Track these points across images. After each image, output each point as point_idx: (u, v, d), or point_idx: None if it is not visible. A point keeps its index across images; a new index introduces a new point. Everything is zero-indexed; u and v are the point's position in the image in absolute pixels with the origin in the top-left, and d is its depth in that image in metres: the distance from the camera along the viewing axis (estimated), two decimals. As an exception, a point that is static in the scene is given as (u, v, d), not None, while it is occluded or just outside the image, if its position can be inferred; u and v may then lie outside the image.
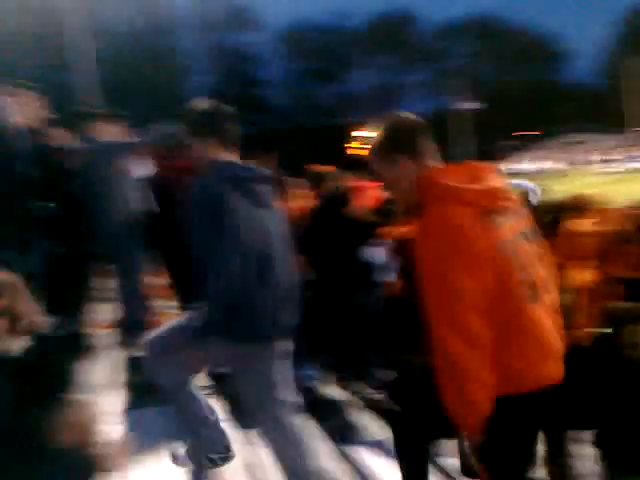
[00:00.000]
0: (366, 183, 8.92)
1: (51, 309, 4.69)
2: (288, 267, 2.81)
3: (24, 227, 4.35)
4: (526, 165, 41.09)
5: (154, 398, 3.89)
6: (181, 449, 3.04)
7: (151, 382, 2.77)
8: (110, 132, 5.06)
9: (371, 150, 2.15)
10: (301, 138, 55.98)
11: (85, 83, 18.05)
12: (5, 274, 2.09)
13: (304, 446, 2.93)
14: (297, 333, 4.88)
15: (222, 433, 3.08)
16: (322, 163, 7.78)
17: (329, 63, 63.35)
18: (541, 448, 2.92)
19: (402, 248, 5.14)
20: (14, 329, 2.00)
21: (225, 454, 3.02)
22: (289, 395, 2.99)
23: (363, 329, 5.06)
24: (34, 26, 44.16)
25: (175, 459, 3.04)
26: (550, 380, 1.96)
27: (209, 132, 2.53)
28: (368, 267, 5.00)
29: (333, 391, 5.15)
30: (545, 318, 1.96)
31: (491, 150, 56.64)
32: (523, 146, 55.29)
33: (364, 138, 47.60)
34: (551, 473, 3.03)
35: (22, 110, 4.76)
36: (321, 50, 63.61)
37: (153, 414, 3.95)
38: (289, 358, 2.98)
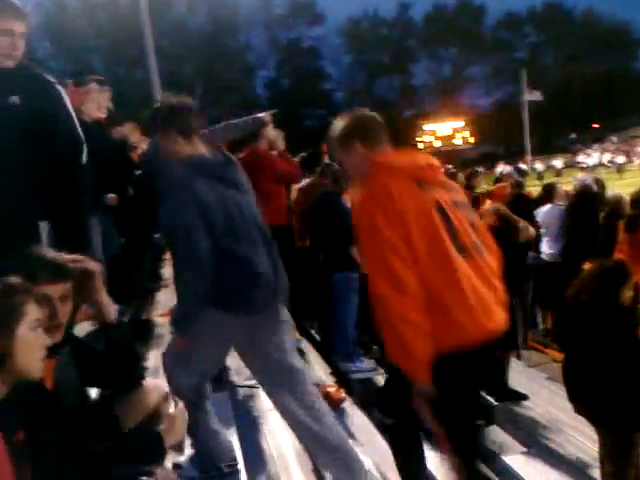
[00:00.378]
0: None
1: (115, 296, 4.90)
2: (260, 241, 2.93)
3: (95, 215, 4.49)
4: (588, 158, 39.60)
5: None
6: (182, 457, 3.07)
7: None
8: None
9: (332, 137, 2.48)
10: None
11: (156, 80, 18.52)
12: (87, 258, 2.12)
13: (321, 410, 2.94)
14: (351, 325, 4.93)
15: (230, 443, 3.18)
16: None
17: (393, 55, 62.81)
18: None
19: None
20: (77, 314, 2.05)
21: (233, 463, 3.09)
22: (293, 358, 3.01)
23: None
24: (111, 23, 45.66)
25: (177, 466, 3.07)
26: (488, 333, 2.15)
27: (171, 124, 2.66)
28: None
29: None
30: (477, 276, 2.15)
31: (553, 142, 55.04)
32: (586, 138, 53.42)
33: (428, 131, 47.13)
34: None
35: (96, 105, 4.93)
36: (384, 43, 63.13)
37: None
38: (280, 324, 2.98)
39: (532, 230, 4.98)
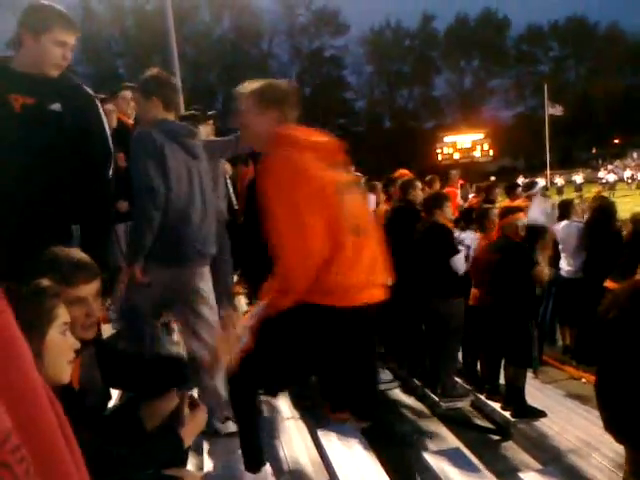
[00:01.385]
0: (450, 189, 8.85)
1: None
2: (211, 207, 3.48)
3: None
4: (608, 174, 39.25)
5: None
6: None
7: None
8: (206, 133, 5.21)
9: (244, 98, 2.47)
10: (388, 142, 55.75)
11: (178, 85, 18.73)
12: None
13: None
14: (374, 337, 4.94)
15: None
16: (406, 166, 7.74)
17: (414, 66, 62.81)
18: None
19: (481, 262, 5.08)
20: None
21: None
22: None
23: (440, 338, 5.01)
24: (137, 29, 46.25)
25: None
26: (368, 299, 2.34)
27: (153, 93, 2.97)
28: (451, 276, 4.93)
29: (402, 397, 5.12)
30: (363, 252, 2.33)
31: (574, 157, 54.55)
32: (607, 154, 52.92)
33: (448, 142, 46.99)
34: None
35: (123, 110, 5.03)
36: (406, 53, 63.17)
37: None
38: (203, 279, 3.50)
39: (547, 273, 5.01)
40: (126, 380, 2.20)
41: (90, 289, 1.90)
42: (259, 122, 2.43)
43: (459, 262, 4.86)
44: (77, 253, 1.97)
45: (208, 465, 3.24)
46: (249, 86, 2.49)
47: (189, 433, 2.00)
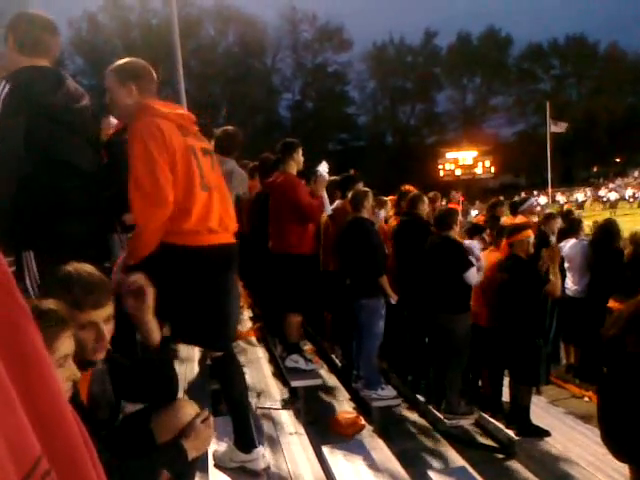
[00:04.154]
0: (454, 204, 8.88)
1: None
2: None
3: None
4: (610, 192, 39.39)
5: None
6: None
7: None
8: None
9: (107, 76, 2.80)
10: (390, 157, 55.92)
11: (183, 98, 18.82)
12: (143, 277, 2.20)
13: None
14: (374, 352, 4.95)
15: None
16: (411, 182, 7.77)
17: (417, 82, 63.13)
18: None
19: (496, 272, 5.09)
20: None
21: None
22: None
23: (447, 354, 5.01)
24: (142, 42, 46.56)
25: None
26: (218, 241, 2.81)
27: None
28: (460, 291, 4.94)
29: (406, 413, 5.11)
30: (213, 202, 2.79)
31: (575, 175, 54.65)
32: (608, 172, 53.05)
33: (450, 158, 47.11)
34: None
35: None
36: (409, 69, 63.51)
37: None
38: None
39: (558, 288, 5.04)
40: (136, 392, 2.20)
41: (101, 314, 1.87)
42: (121, 95, 2.76)
43: (473, 275, 4.88)
44: (91, 275, 1.90)
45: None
46: (113, 65, 2.83)
47: (193, 447, 2.00)
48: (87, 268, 1.93)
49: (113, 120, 4.67)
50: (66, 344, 1.58)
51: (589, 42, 64.90)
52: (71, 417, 0.82)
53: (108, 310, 1.92)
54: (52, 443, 0.76)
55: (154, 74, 2.88)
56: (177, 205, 2.66)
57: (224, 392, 3.21)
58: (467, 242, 5.30)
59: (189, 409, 2.13)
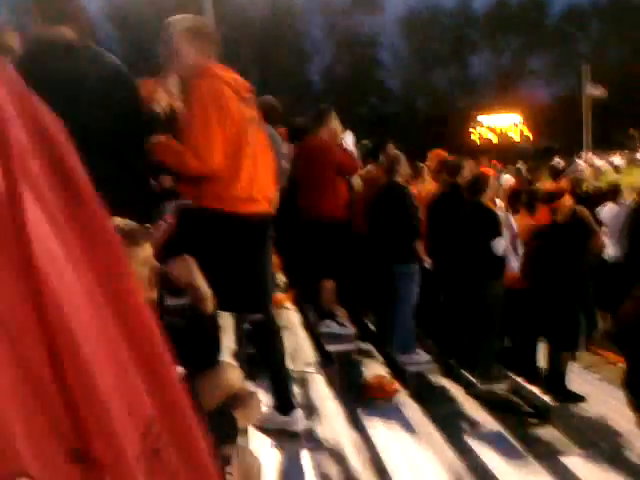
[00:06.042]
0: (487, 170, 8.74)
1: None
2: None
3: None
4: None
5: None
6: None
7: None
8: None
9: (176, 31, 2.82)
10: (422, 123, 55.08)
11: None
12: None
13: None
14: (409, 318, 4.95)
15: None
16: (443, 148, 7.65)
17: (452, 46, 61.65)
18: None
19: (533, 239, 5.03)
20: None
21: None
22: None
23: (480, 320, 4.99)
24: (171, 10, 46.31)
25: None
26: (261, 209, 2.88)
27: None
28: (492, 258, 4.90)
29: (440, 378, 5.13)
30: (259, 171, 2.85)
31: (612, 138, 53.15)
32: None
33: (484, 123, 46.21)
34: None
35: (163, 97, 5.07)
36: (444, 33, 62.03)
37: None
38: None
39: (603, 242, 4.96)
40: (186, 356, 2.22)
41: (151, 250, 1.92)
42: (186, 52, 2.80)
43: (500, 245, 4.83)
44: (131, 222, 1.91)
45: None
46: (179, 20, 2.85)
47: (243, 415, 2.02)
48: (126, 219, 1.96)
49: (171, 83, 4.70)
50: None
51: (632, 3, 62.43)
52: (178, 379, 0.81)
53: (152, 249, 1.95)
54: (165, 408, 0.74)
55: (217, 36, 2.98)
56: (227, 171, 2.71)
57: (263, 355, 3.27)
58: (502, 215, 5.23)
59: (235, 374, 2.15)
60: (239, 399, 2.06)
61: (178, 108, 5.06)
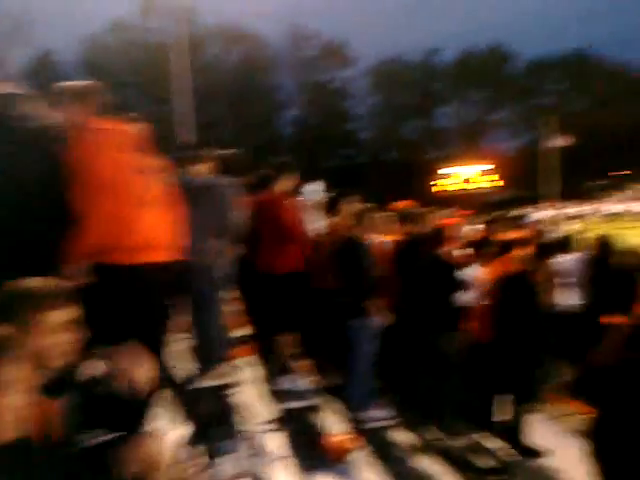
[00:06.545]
0: (451, 220, 8.83)
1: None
2: None
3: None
4: (614, 206, 39.40)
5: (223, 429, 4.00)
6: None
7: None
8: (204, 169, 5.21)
9: (59, 94, 2.94)
10: (391, 172, 55.92)
11: (184, 116, 18.93)
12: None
13: None
14: (368, 372, 4.90)
15: None
16: (411, 197, 7.73)
17: (419, 98, 63.19)
18: None
19: (494, 289, 5.05)
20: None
21: None
22: None
23: (441, 373, 4.96)
24: (141, 61, 47.01)
25: None
26: (158, 258, 2.85)
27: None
28: (455, 311, 4.91)
29: (400, 434, 5.05)
30: (157, 218, 2.86)
31: (579, 188, 54.55)
32: (612, 186, 52.90)
33: (452, 173, 47.13)
34: None
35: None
36: (411, 85, 63.60)
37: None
38: None
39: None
40: (108, 423, 2.16)
41: (68, 315, 1.86)
42: (67, 113, 2.88)
43: (460, 297, 4.85)
44: (53, 281, 1.91)
45: None
46: (56, 85, 2.99)
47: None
48: (49, 279, 1.92)
49: None
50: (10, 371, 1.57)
51: (592, 57, 65.07)
52: None
53: (74, 314, 1.89)
54: None
55: (100, 95, 3.03)
56: (120, 221, 2.71)
57: None
58: (462, 270, 5.25)
59: (156, 445, 2.08)
60: (156, 469, 1.98)
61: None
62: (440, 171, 47.26)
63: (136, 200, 2.79)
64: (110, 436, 2.15)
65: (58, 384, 1.90)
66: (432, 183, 45.80)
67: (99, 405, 2.09)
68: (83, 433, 2.08)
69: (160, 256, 2.89)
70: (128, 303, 2.76)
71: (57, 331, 1.82)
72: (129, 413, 2.15)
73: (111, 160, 2.75)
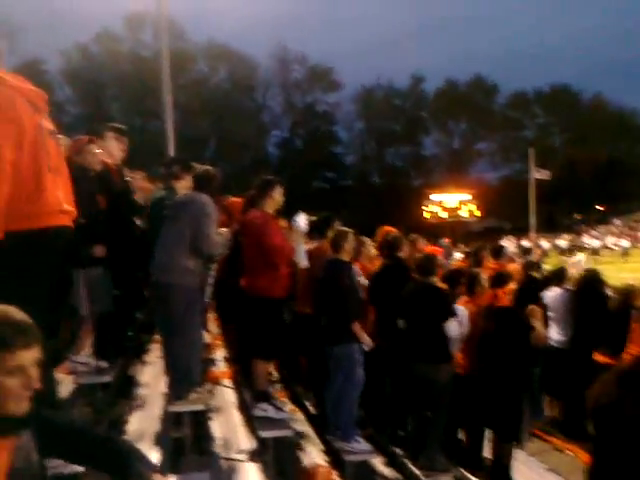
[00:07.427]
0: (434, 248, 8.76)
1: (103, 352, 4.70)
2: None
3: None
4: (592, 240, 39.94)
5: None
6: None
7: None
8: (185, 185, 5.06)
9: None
10: (375, 197, 56.32)
11: (171, 132, 18.80)
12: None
13: None
14: (350, 402, 4.71)
15: None
16: (395, 223, 7.64)
17: (404, 125, 63.81)
18: None
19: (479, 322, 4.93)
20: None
21: None
22: None
23: (428, 406, 4.80)
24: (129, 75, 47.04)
25: None
26: (60, 223, 2.74)
27: None
28: (443, 341, 4.76)
29: (381, 468, 4.85)
30: (59, 184, 2.72)
31: (558, 221, 55.38)
32: (590, 220, 53.78)
33: (435, 201, 47.52)
34: None
35: (108, 152, 4.90)
36: (396, 112, 64.21)
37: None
38: None
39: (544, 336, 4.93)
40: (66, 455, 1.95)
41: (30, 356, 1.69)
42: None
43: (453, 326, 4.71)
44: (17, 314, 1.72)
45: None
46: None
47: None
48: (13, 309, 1.74)
49: (93, 147, 4.54)
50: None
51: (573, 91, 66.39)
52: None
53: (37, 353, 1.72)
54: None
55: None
56: (28, 186, 2.59)
57: None
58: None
59: None
60: None
61: (112, 166, 4.93)
62: (430, 196, 47.77)
63: (46, 165, 2.65)
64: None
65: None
66: (422, 208, 46.26)
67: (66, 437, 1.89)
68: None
69: (65, 220, 2.80)
70: (39, 267, 2.69)
71: (15, 374, 1.64)
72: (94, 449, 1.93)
73: (28, 121, 2.57)
